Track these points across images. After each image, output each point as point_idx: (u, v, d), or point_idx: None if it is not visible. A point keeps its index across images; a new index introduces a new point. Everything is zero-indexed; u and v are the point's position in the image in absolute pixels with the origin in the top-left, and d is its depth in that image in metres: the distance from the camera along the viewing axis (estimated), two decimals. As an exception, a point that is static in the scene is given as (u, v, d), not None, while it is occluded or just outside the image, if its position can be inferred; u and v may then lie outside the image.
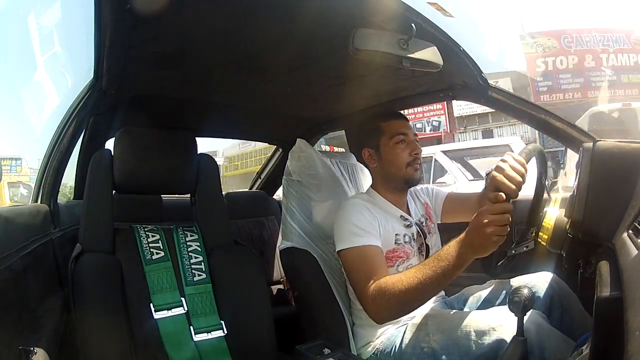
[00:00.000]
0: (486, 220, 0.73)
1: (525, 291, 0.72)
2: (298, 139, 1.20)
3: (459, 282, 1.13)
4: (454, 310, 0.96)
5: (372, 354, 1.00)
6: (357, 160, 1.38)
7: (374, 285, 0.88)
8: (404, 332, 0.96)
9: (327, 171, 1.20)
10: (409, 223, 1.08)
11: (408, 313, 0.90)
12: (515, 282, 0.97)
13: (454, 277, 0.80)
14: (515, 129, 10.48)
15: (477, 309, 1.01)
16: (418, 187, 1.19)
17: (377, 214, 1.02)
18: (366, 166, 1.26)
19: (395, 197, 1.10)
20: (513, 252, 0.92)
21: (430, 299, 0.87)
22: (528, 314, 0.75)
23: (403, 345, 0.94)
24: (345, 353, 0.87)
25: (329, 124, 1.66)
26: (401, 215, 1.08)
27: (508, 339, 0.77)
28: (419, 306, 0.89)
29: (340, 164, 1.29)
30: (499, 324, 0.82)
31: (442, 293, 1.13)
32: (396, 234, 1.03)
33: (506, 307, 0.78)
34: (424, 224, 1.12)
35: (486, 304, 1.00)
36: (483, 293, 1.03)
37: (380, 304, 0.87)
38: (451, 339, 0.86)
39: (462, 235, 0.79)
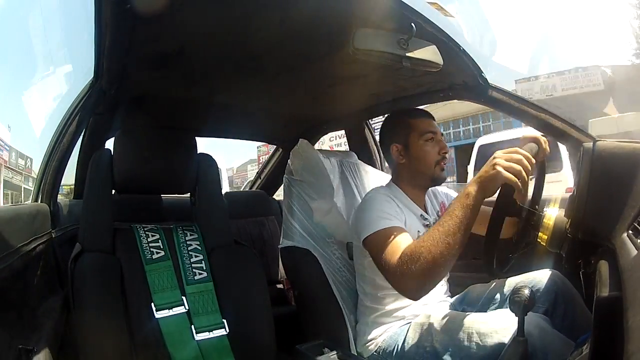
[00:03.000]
0: (495, 157, 0.78)
1: (526, 291, 0.72)
2: (300, 139, 1.20)
3: (462, 282, 1.13)
4: (457, 312, 0.95)
5: (375, 352, 1.00)
6: (359, 159, 1.38)
7: (399, 257, 0.83)
8: (407, 331, 0.96)
9: (329, 171, 1.20)
10: (427, 223, 1.08)
11: (437, 278, 0.83)
12: (519, 279, 0.97)
13: (471, 222, 0.78)
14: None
15: (481, 308, 1.01)
16: (438, 187, 1.19)
17: (401, 207, 1.03)
18: (372, 164, 1.25)
19: (416, 193, 1.10)
20: (512, 255, 0.91)
21: (455, 257, 0.79)
22: (529, 315, 0.75)
23: (406, 345, 0.94)
24: (345, 352, 0.87)
25: (329, 123, 1.66)
26: (421, 215, 1.08)
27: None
28: (446, 267, 0.81)
29: (342, 163, 1.29)
30: (501, 326, 0.82)
31: (447, 292, 1.13)
32: (418, 231, 1.02)
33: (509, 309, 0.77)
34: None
35: (489, 302, 1.00)
36: (486, 292, 1.03)
37: (406, 273, 0.80)
38: (453, 340, 0.86)
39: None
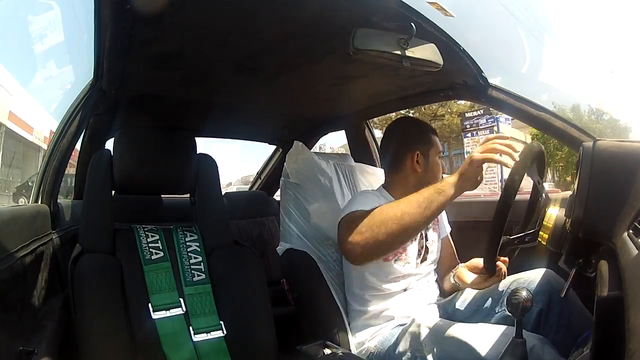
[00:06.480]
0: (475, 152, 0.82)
1: (524, 293, 0.72)
2: (295, 141, 1.19)
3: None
4: (449, 321, 0.95)
5: (366, 357, 0.99)
6: (355, 162, 1.38)
7: (353, 222, 0.88)
8: (397, 338, 0.95)
9: (324, 173, 1.19)
10: None
11: (388, 245, 0.87)
12: (512, 279, 0.96)
13: (438, 205, 0.82)
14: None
15: (474, 310, 1.01)
16: None
17: None
18: (373, 164, 1.25)
19: None
20: (515, 241, 0.90)
21: (412, 231, 0.85)
22: (531, 338, 0.74)
23: (397, 352, 0.94)
24: (345, 353, 0.87)
25: (329, 124, 1.66)
26: None
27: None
28: (401, 237, 0.85)
29: (337, 166, 1.28)
30: (494, 339, 0.81)
31: (438, 292, 1.12)
32: None
33: (501, 324, 0.77)
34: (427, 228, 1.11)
35: (482, 303, 1.00)
36: (480, 292, 1.03)
37: (357, 233, 0.86)
38: (445, 351, 0.86)
39: None
